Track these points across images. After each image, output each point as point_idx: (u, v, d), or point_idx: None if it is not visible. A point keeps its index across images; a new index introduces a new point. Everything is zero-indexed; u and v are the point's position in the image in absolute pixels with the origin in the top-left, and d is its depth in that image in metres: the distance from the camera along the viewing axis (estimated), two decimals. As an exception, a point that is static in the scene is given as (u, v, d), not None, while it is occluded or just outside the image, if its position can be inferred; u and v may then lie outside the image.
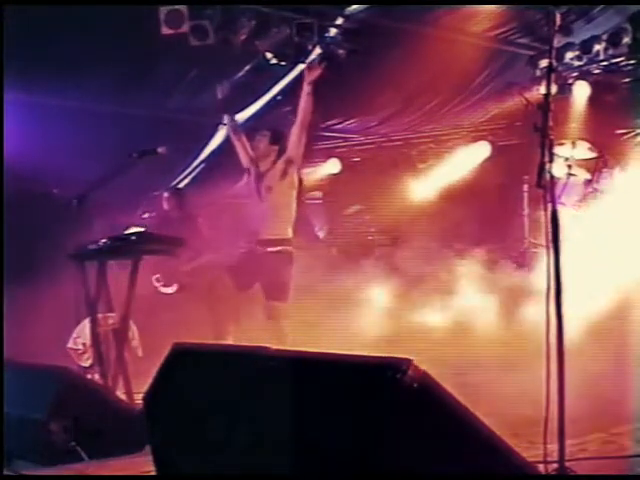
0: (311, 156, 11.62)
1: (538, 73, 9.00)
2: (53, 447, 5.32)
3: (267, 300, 7.02)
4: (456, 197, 10.55)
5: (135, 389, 6.24)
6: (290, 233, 7.11)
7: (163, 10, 7.68)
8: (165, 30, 7.71)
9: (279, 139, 7.12)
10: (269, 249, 7.01)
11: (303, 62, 8.75)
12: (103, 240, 6.84)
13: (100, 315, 6.95)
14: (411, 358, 3.33)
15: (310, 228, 11.33)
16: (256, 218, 7.15)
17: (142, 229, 6.96)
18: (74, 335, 7.52)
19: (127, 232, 6.97)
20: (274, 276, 7.00)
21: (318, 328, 7.58)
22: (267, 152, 7.12)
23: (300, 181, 7.24)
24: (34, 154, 7.91)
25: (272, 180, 7.03)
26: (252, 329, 7.01)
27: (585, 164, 9.29)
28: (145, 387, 4.43)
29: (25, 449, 5.33)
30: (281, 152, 7.06)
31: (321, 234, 12.01)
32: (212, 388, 4.05)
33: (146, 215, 7.08)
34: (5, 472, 4.96)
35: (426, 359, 3.38)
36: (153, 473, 4.36)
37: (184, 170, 10.53)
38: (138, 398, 5.64)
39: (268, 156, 7.11)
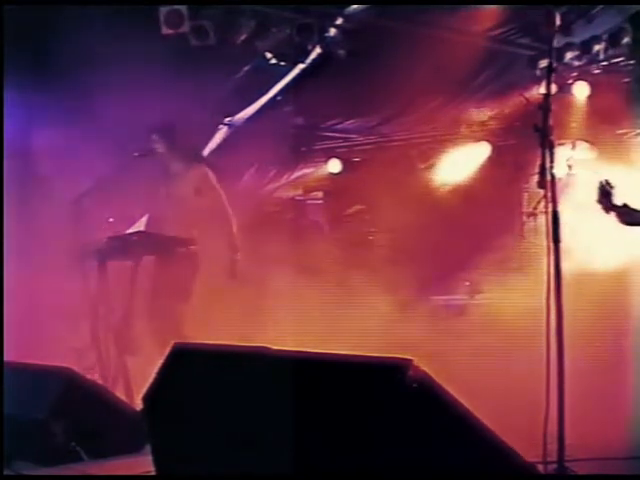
0: (311, 156, 11.66)
1: (538, 73, 8.98)
2: (53, 447, 5.33)
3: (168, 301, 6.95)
4: (456, 197, 10.54)
5: (135, 389, 6.24)
6: (193, 233, 7.08)
7: (163, 10, 7.68)
8: (165, 30, 7.71)
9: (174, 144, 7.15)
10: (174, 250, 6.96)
11: (303, 62, 8.75)
12: (103, 240, 6.85)
13: (100, 315, 6.96)
14: (411, 358, 3.34)
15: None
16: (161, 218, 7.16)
17: (142, 229, 6.94)
18: (74, 335, 7.51)
19: (127, 232, 6.96)
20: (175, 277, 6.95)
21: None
22: (169, 153, 7.15)
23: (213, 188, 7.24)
24: (34, 153, 7.91)
25: (178, 183, 7.07)
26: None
27: (585, 164, 9.29)
28: (145, 387, 4.43)
29: (25, 449, 5.33)
30: (187, 156, 7.11)
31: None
32: (212, 388, 4.05)
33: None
34: (5, 472, 4.96)
35: (426, 361, 3.39)
36: (153, 473, 4.37)
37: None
38: (138, 398, 5.64)
39: (172, 159, 7.14)
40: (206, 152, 10.28)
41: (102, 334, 6.94)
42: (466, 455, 3.35)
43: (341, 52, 8.51)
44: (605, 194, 5.10)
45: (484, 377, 6.71)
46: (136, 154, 7.13)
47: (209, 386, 4.08)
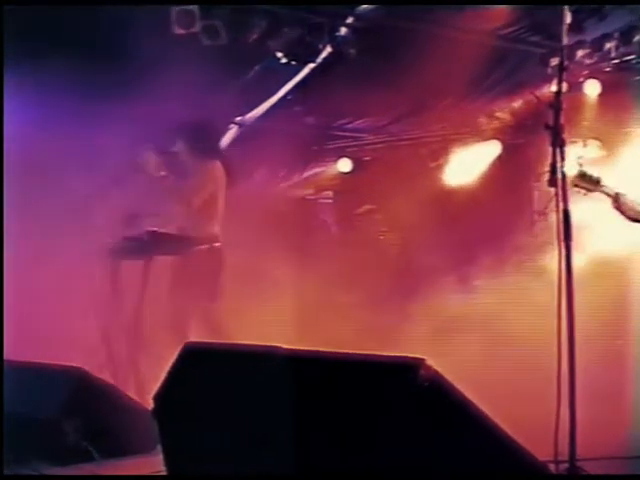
0: (322, 155, 11.66)
1: (549, 71, 8.96)
2: (65, 447, 5.33)
3: (197, 301, 6.93)
4: (466, 196, 10.53)
5: (146, 389, 6.25)
6: (216, 230, 7.07)
7: (174, 10, 7.68)
8: (176, 30, 7.71)
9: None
10: (195, 247, 6.94)
11: (314, 61, 8.75)
12: (115, 239, 6.87)
13: (112, 314, 6.97)
14: (423, 357, 3.34)
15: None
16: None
17: (154, 228, 6.95)
18: (85, 334, 7.52)
19: (139, 231, 6.97)
20: (201, 275, 6.93)
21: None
22: (180, 152, 7.18)
23: (228, 173, 7.23)
24: (36, 153, 7.91)
25: (191, 181, 7.09)
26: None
27: (596, 162, 9.26)
28: (156, 387, 4.43)
29: (37, 449, 5.34)
30: (198, 155, 7.11)
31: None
32: (223, 387, 4.05)
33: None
34: (5, 472, 4.95)
35: (437, 360, 3.38)
36: (164, 473, 4.37)
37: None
38: (149, 398, 5.64)
39: (184, 157, 7.16)
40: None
41: (113, 333, 6.95)
42: (477, 454, 3.35)
43: (352, 51, 8.51)
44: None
45: (495, 376, 6.72)
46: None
47: (220, 385, 4.08)
